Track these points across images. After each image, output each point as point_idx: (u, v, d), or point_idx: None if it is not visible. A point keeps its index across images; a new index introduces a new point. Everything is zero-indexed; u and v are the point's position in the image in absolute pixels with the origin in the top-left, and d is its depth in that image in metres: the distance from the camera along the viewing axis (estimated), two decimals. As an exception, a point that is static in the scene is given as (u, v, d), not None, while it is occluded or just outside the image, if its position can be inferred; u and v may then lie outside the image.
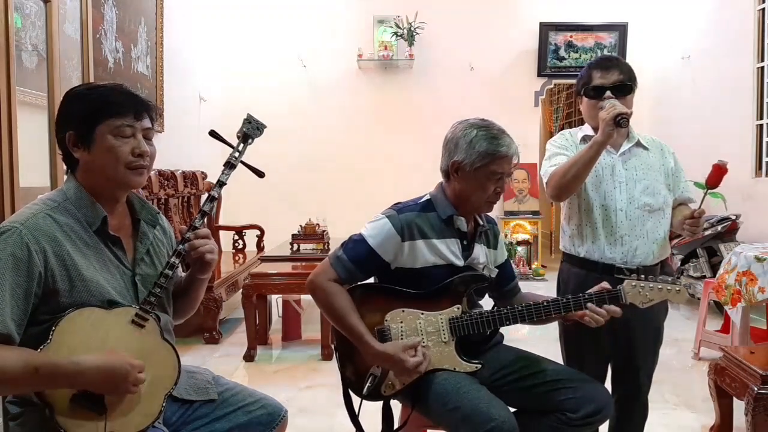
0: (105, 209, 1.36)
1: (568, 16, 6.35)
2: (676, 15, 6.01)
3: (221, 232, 5.35)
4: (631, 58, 5.62)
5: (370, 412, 1.76)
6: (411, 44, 6.17)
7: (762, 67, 4.75)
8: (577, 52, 6.37)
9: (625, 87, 1.91)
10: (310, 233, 4.23)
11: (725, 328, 3.60)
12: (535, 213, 6.40)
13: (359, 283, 1.77)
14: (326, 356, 3.61)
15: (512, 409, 1.63)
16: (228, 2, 6.24)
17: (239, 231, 5.43)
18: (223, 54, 6.29)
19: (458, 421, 1.56)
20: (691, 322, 4.15)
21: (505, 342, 1.91)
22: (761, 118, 4.77)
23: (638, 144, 1.98)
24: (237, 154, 1.44)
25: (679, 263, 4.75)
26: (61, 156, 1.40)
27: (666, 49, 6.15)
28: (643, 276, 1.71)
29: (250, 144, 1.48)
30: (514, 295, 1.94)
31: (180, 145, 4.98)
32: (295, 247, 4.20)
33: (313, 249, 4.19)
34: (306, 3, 6.30)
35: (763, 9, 4.73)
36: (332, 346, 1.84)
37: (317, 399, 3.02)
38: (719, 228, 4.38)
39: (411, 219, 1.73)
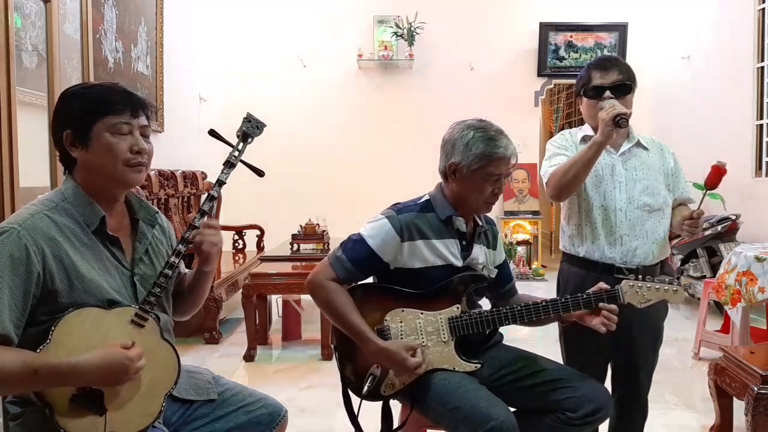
0: (103, 209, 1.36)
1: (568, 16, 6.35)
2: (676, 15, 6.01)
3: (221, 232, 5.33)
4: (631, 58, 5.65)
5: (370, 412, 1.76)
6: (411, 44, 6.17)
7: (762, 67, 4.75)
8: (577, 52, 6.37)
9: (625, 87, 1.91)
10: (310, 233, 4.22)
11: (725, 328, 3.60)
12: (535, 213, 6.40)
13: (359, 282, 1.77)
14: (326, 356, 3.61)
15: (512, 409, 1.63)
16: (228, 2, 6.25)
17: (239, 231, 5.44)
18: (223, 54, 6.29)
19: (458, 421, 1.56)
20: (691, 322, 4.15)
21: (504, 342, 1.91)
22: (761, 118, 4.77)
23: (638, 144, 1.98)
24: (237, 154, 1.44)
25: (679, 263, 4.75)
26: (58, 156, 1.40)
27: (666, 49, 6.15)
28: (641, 276, 1.71)
29: (250, 143, 1.47)
30: (511, 296, 1.95)
31: (180, 145, 4.98)
32: (295, 247, 4.20)
33: (313, 249, 4.19)
34: (306, 3, 6.31)
35: (763, 9, 4.73)
36: (332, 346, 1.84)
37: (317, 399, 3.02)
38: (719, 228, 4.38)
39: (410, 219, 1.73)
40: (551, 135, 7.69)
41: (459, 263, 1.76)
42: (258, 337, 3.77)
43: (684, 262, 4.75)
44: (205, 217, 1.45)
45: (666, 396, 3.01)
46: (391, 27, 6.20)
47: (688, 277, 4.64)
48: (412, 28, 6.12)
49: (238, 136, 1.46)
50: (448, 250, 1.74)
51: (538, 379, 1.71)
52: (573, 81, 2.11)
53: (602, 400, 1.67)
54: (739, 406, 2.19)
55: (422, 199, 1.81)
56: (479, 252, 1.82)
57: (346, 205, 5.61)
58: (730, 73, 5.09)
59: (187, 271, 1.60)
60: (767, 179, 4.69)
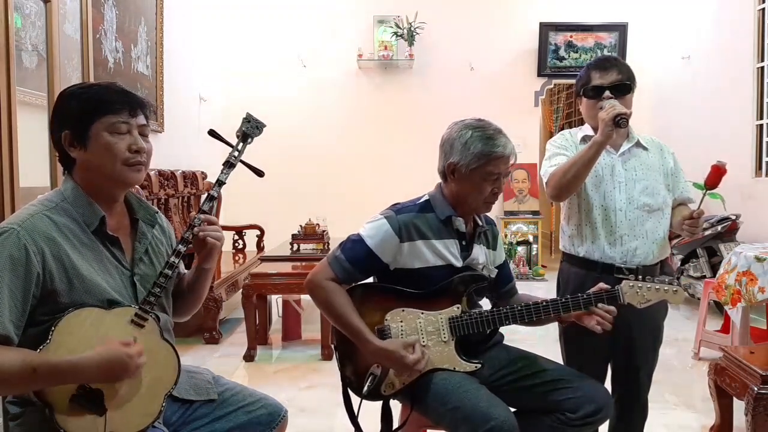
0: (103, 209, 1.36)
1: (568, 16, 6.35)
2: (676, 15, 6.01)
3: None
4: (631, 58, 5.66)
5: (370, 412, 1.76)
6: (411, 44, 6.17)
7: (762, 67, 4.75)
8: (577, 52, 6.37)
9: (624, 87, 1.91)
10: (310, 233, 4.22)
11: (725, 328, 3.59)
12: (535, 213, 6.40)
13: (359, 282, 1.77)
14: (326, 356, 3.61)
15: (512, 409, 1.63)
16: (228, 2, 6.24)
17: (239, 231, 5.44)
18: (223, 54, 6.29)
19: (458, 421, 1.55)
20: (691, 322, 4.14)
21: (505, 342, 1.91)
22: (761, 118, 4.77)
23: (638, 144, 1.98)
24: (236, 154, 1.44)
25: (679, 263, 4.75)
26: (57, 157, 1.40)
27: (666, 49, 6.15)
28: (640, 276, 1.71)
29: (250, 143, 1.48)
30: (511, 296, 1.95)
31: (180, 145, 4.98)
32: (295, 247, 4.20)
33: (313, 249, 4.19)
34: (306, 3, 6.31)
35: (763, 9, 4.73)
36: (332, 346, 1.84)
37: (317, 399, 3.02)
38: (719, 228, 4.38)
39: (409, 220, 1.73)
40: (551, 135, 7.68)
41: (459, 263, 1.76)
42: (258, 337, 3.77)
43: (684, 262, 4.75)
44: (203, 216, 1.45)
45: (666, 396, 3.01)
46: (391, 27, 6.20)
47: (688, 277, 4.64)
48: (412, 28, 6.12)
49: (237, 137, 1.46)
50: (448, 251, 1.74)
51: (539, 379, 1.71)
52: (573, 81, 2.11)
53: (602, 400, 1.67)
54: (739, 406, 2.19)
55: (421, 200, 1.81)
56: (479, 252, 1.82)
57: (345, 205, 5.61)
58: (730, 73, 5.09)
59: (186, 271, 1.60)
60: (767, 179, 4.69)
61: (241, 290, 3.90)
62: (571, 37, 6.36)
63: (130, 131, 1.35)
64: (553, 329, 2.01)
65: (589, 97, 1.94)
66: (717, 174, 1.81)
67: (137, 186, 1.78)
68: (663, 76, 6.16)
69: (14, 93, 2.25)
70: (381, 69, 6.39)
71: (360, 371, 1.72)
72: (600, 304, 1.67)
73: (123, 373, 1.25)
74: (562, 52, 6.38)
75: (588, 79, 1.94)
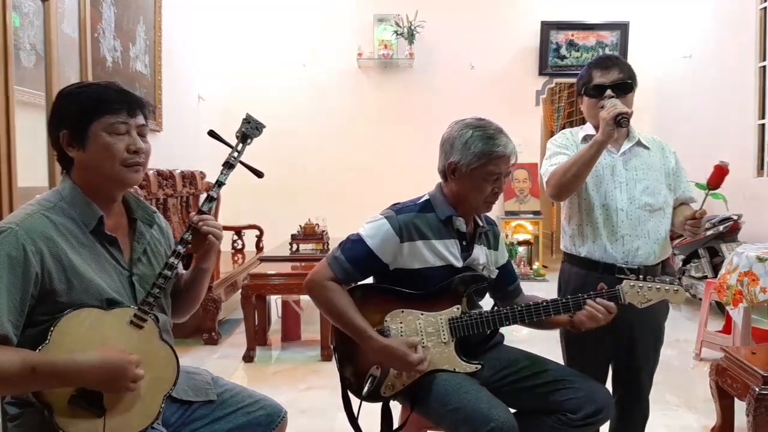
0: (101, 209, 1.35)
1: (570, 14, 6.34)
2: (678, 14, 6.00)
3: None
4: (632, 57, 5.65)
5: (370, 413, 1.76)
6: (411, 43, 6.16)
7: (764, 67, 4.74)
8: (578, 51, 6.36)
9: (626, 85, 1.90)
10: (310, 233, 4.21)
11: (727, 329, 3.59)
12: (536, 213, 6.39)
13: (359, 283, 1.76)
14: (326, 357, 3.60)
15: (512, 410, 1.62)
16: (228, 2, 6.24)
17: (238, 231, 5.43)
18: (223, 53, 6.29)
19: (458, 422, 1.55)
20: (693, 322, 4.14)
21: (505, 342, 1.90)
22: (763, 118, 4.76)
23: (639, 143, 1.97)
24: (236, 154, 1.44)
25: (681, 263, 4.74)
26: (56, 156, 1.39)
27: (667, 48, 6.14)
28: (641, 276, 1.71)
29: (249, 144, 1.47)
30: (516, 296, 1.94)
31: (179, 145, 4.98)
32: (295, 247, 4.19)
33: (313, 249, 4.18)
34: (306, 2, 6.30)
35: (765, 8, 4.72)
36: (332, 347, 1.83)
37: (317, 400, 3.01)
38: (721, 228, 4.37)
39: (409, 220, 1.72)
40: (552, 134, 7.66)
41: (459, 264, 1.75)
42: (257, 337, 3.76)
43: (686, 262, 4.74)
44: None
45: (667, 396, 3.00)
46: (391, 26, 6.19)
47: (690, 277, 4.63)
48: (413, 27, 6.11)
49: (237, 137, 1.45)
50: (448, 251, 1.73)
51: (539, 379, 1.70)
52: (574, 80, 2.10)
53: (603, 400, 1.66)
54: (740, 407, 2.19)
55: (422, 199, 1.80)
56: (480, 252, 1.81)
57: (345, 205, 5.59)
58: (732, 72, 5.08)
59: (184, 271, 1.60)
60: (769, 179, 4.68)
61: (240, 291, 3.89)
62: (572, 35, 6.35)
63: (129, 131, 1.35)
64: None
65: (591, 96, 1.93)
66: (720, 174, 1.80)
67: (135, 186, 1.77)
68: (664, 75, 6.16)
69: (12, 92, 2.25)
70: (381, 68, 6.38)
71: (360, 372, 1.71)
72: (598, 299, 1.66)
73: (121, 380, 1.25)
74: (563, 51, 6.37)
75: (589, 78, 1.93)
